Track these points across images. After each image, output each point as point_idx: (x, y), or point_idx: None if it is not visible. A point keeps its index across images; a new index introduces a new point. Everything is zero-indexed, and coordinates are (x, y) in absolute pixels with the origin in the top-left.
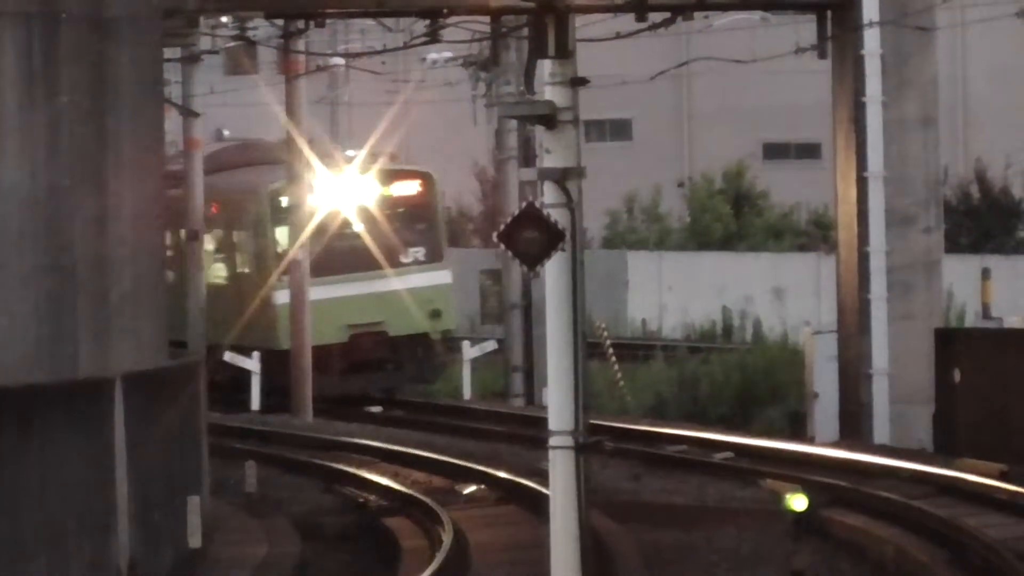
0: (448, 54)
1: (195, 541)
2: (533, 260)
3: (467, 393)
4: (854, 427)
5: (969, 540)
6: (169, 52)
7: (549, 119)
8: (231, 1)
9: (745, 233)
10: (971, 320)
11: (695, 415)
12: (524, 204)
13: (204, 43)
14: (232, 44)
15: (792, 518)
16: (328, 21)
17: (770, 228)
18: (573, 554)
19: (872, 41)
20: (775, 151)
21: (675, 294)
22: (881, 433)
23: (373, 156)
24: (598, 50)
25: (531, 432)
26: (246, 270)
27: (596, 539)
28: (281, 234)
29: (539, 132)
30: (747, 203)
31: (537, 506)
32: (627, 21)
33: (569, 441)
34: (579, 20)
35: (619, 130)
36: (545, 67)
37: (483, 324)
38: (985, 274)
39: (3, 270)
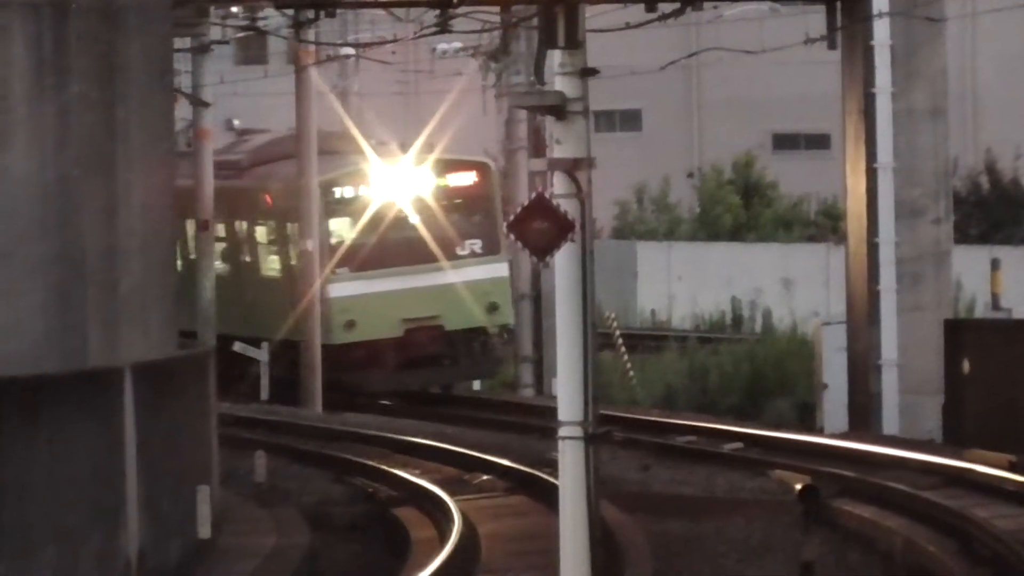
0: (458, 44)
1: (204, 531)
2: (543, 251)
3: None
4: (863, 418)
5: (978, 531)
6: (179, 42)
7: (559, 109)
8: None
9: (754, 224)
10: (980, 311)
11: (705, 406)
12: (534, 195)
13: (214, 33)
14: (242, 34)
15: (801, 509)
16: (338, 11)
17: (779, 219)
18: (582, 544)
19: (882, 32)
20: (784, 142)
21: (684, 285)
22: (890, 424)
23: (429, 146)
24: (608, 40)
25: (541, 422)
26: (299, 263)
27: (605, 529)
28: (335, 226)
29: (549, 122)
30: (756, 194)
31: (547, 496)
32: (637, 11)
33: (579, 432)
34: (589, 10)
35: (629, 120)
36: (555, 57)
37: None
38: (994, 265)
39: (12, 260)
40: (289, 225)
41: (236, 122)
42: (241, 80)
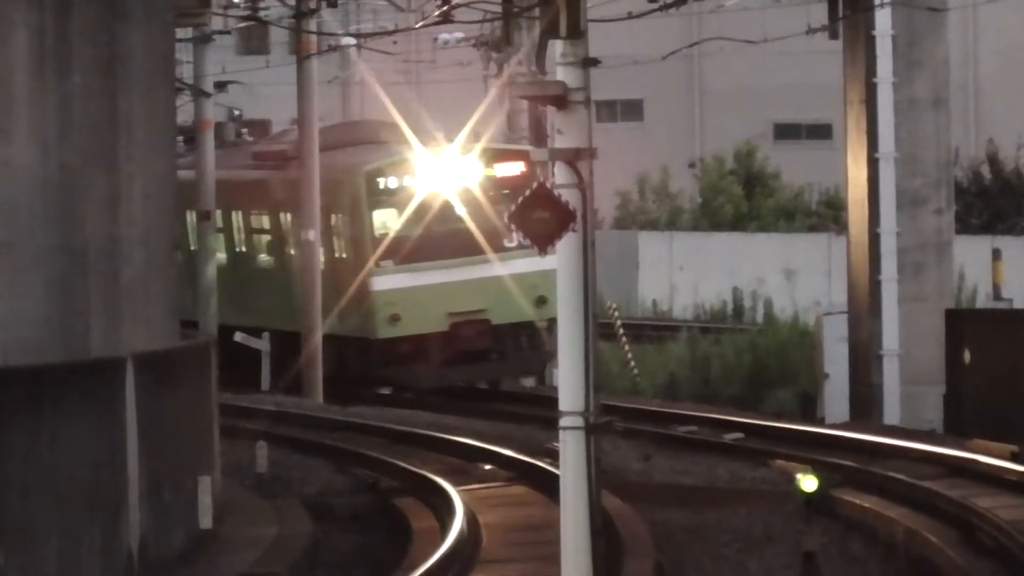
0: (460, 34)
1: (206, 522)
2: (544, 241)
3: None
4: (864, 408)
5: (980, 521)
6: (181, 32)
7: (560, 99)
8: None
9: (756, 214)
10: (982, 301)
11: (706, 396)
12: (535, 185)
13: (216, 23)
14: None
15: (803, 499)
16: (340, 1)
17: (781, 209)
18: (584, 534)
19: (883, 21)
20: (786, 132)
21: (686, 275)
22: (891, 414)
23: (475, 135)
24: (610, 30)
25: (542, 412)
26: (343, 255)
27: (606, 519)
28: (379, 217)
29: (550, 112)
30: (758, 184)
31: (548, 486)
32: (639, 1)
33: (580, 422)
34: (591, 0)
35: (630, 110)
36: (556, 47)
37: None
38: (996, 255)
39: (14, 250)
40: (334, 216)
41: (236, 112)
42: (243, 70)
